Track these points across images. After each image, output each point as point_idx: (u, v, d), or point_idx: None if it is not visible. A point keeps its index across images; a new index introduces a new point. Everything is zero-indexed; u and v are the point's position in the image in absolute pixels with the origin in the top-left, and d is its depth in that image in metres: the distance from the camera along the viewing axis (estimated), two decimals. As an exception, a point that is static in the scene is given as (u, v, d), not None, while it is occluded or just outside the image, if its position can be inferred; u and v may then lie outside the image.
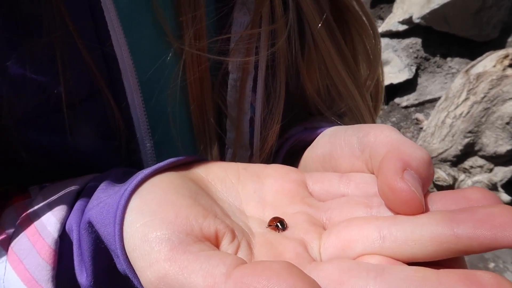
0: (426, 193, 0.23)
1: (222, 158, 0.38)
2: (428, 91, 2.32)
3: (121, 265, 0.22)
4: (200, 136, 0.36)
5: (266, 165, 0.29)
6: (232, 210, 0.25)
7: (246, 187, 0.26)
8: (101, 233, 0.23)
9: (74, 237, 0.25)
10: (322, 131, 0.32)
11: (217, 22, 0.34)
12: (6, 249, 0.26)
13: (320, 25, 0.38)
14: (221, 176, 0.27)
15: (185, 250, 0.19)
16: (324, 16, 0.39)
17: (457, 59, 2.33)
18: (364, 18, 0.44)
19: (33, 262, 0.25)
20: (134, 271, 0.21)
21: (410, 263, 0.21)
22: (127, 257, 0.22)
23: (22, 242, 0.26)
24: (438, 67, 2.37)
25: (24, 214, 0.27)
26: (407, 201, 0.21)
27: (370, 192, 0.25)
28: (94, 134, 0.32)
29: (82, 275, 0.24)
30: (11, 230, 0.26)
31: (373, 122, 0.49)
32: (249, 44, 0.34)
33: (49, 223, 0.26)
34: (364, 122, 0.44)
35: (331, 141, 0.28)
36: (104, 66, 0.31)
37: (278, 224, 0.24)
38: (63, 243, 0.26)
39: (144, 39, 0.33)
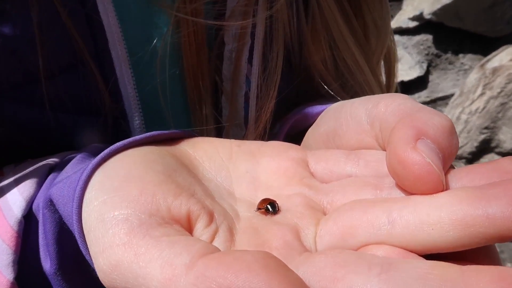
0: (448, 170, 0.18)
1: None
2: (440, 88, 2.28)
3: (82, 247, 0.19)
4: (195, 113, 0.33)
5: (263, 142, 0.26)
6: (219, 191, 0.22)
7: (238, 166, 0.23)
8: (61, 212, 0.20)
9: (40, 218, 0.22)
10: (328, 107, 0.28)
11: None
12: None
13: None
14: (211, 153, 0.23)
15: (145, 233, 0.16)
16: None
17: (469, 56, 2.29)
18: None
19: None
20: (92, 258, 0.18)
21: (427, 256, 0.16)
22: (85, 240, 0.18)
23: None
24: (450, 63, 2.34)
25: None
26: (421, 176, 0.17)
27: (381, 171, 0.21)
28: (76, 109, 0.29)
29: (46, 261, 0.21)
30: None
31: None
32: (246, 7, 0.31)
33: (13, 202, 0.23)
34: None
35: (336, 116, 0.25)
36: (88, 33, 0.28)
37: (269, 206, 0.20)
38: (30, 224, 0.23)
39: (132, 3, 0.30)
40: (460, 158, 1.63)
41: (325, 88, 0.39)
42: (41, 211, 0.22)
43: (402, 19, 2.50)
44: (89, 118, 0.30)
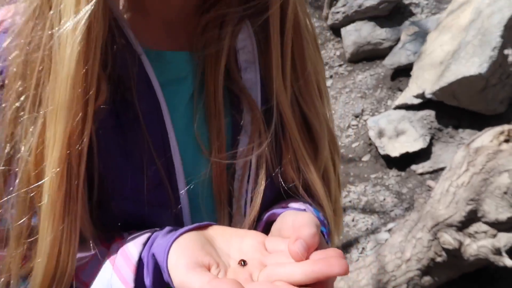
0: (316, 247, 0.39)
1: (229, 223, 0.54)
2: (442, 160, 2.50)
3: (166, 276, 0.41)
4: (219, 210, 0.54)
5: (247, 230, 0.49)
6: (223, 253, 0.42)
7: (233, 242, 0.43)
8: (158, 259, 0.42)
9: (145, 261, 0.44)
10: (283, 212, 0.49)
11: (231, 139, 0.54)
12: (113, 264, 0.46)
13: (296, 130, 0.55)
14: (222, 234, 0.44)
15: (192, 269, 0.38)
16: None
17: (468, 131, 2.52)
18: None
19: (125, 271, 0.50)
20: (172, 280, 0.40)
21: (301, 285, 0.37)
22: (169, 272, 0.40)
23: (119, 260, 0.45)
24: (450, 137, 2.57)
25: (121, 246, 0.46)
26: (294, 256, 0.38)
27: None
28: (160, 207, 0.50)
29: (147, 279, 0.43)
30: (115, 255, 0.46)
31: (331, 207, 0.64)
32: (247, 154, 0.53)
33: (133, 251, 0.44)
34: (320, 199, 0.61)
35: (281, 220, 0.46)
36: (167, 169, 0.50)
37: (242, 262, 0.41)
38: (140, 264, 0.44)
39: (188, 149, 0.52)
40: (450, 226, 1.83)
41: (295, 193, 0.58)
42: (146, 258, 0.42)
43: (407, 96, 2.78)
44: (162, 210, 0.49)
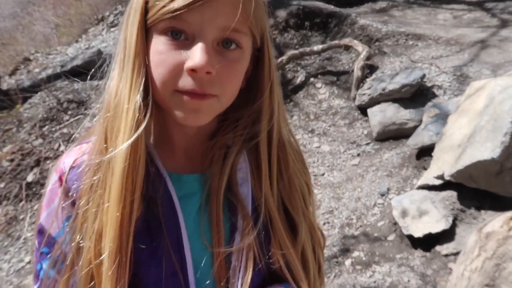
0: None
1: None
2: (466, 241, 2.51)
3: None
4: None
5: None
6: None
7: None
8: None
9: None
10: None
11: (228, 237, 0.64)
12: None
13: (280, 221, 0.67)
14: None
15: None
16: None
17: (490, 212, 2.54)
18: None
19: None
20: None
21: None
22: None
23: None
24: (473, 218, 2.60)
25: None
26: None
27: None
28: None
29: None
30: None
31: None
32: (240, 249, 0.63)
33: None
34: (298, 274, 0.71)
35: None
36: (180, 262, 0.61)
37: None
38: None
39: (196, 247, 0.63)
40: (469, 312, 1.83)
41: (279, 274, 0.68)
42: None
43: (429, 176, 2.88)
44: None
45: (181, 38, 0.56)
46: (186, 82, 0.56)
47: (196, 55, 0.55)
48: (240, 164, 0.68)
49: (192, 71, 0.55)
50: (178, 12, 0.54)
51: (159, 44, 0.57)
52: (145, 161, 0.60)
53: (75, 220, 0.61)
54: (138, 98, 0.58)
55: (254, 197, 0.68)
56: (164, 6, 0.55)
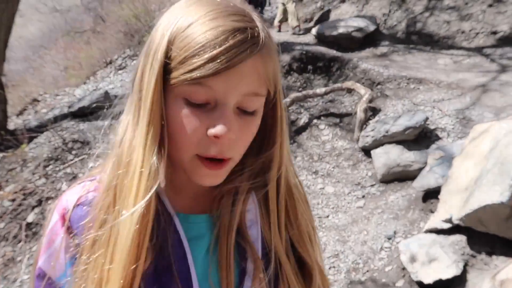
0: None
1: None
2: (478, 288, 2.42)
3: None
4: None
5: None
6: None
7: None
8: None
9: None
10: None
11: (238, 281, 0.64)
12: None
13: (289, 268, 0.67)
14: None
15: None
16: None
17: (502, 258, 2.47)
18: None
19: None
20: None
21: None
22: None
23: None
24: (485, 264, 2.51)
25: None
26: None
27: None
28: None
29: None
30: None
31: None
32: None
33: None
34: None
35: None
36: None
37: None
38: None
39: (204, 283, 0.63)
40: None
41: None
42: None
43: (436, 220, 2.82)
44: None
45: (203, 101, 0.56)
46: (208, 148, 0.57)
47: (220, 122, 0.55)
48: (249, 205, 0.68)
49: (215, 137, 0.56)
50: (203, 80, 0.54)
51: (180, 107, 0.56)
52: (156, 210, 0.59)
53: (78, 265, 0.59)
54: (154, 160, 0.57)
55: (264, 240, 0.67)
56: (188, 72, 0.54)
